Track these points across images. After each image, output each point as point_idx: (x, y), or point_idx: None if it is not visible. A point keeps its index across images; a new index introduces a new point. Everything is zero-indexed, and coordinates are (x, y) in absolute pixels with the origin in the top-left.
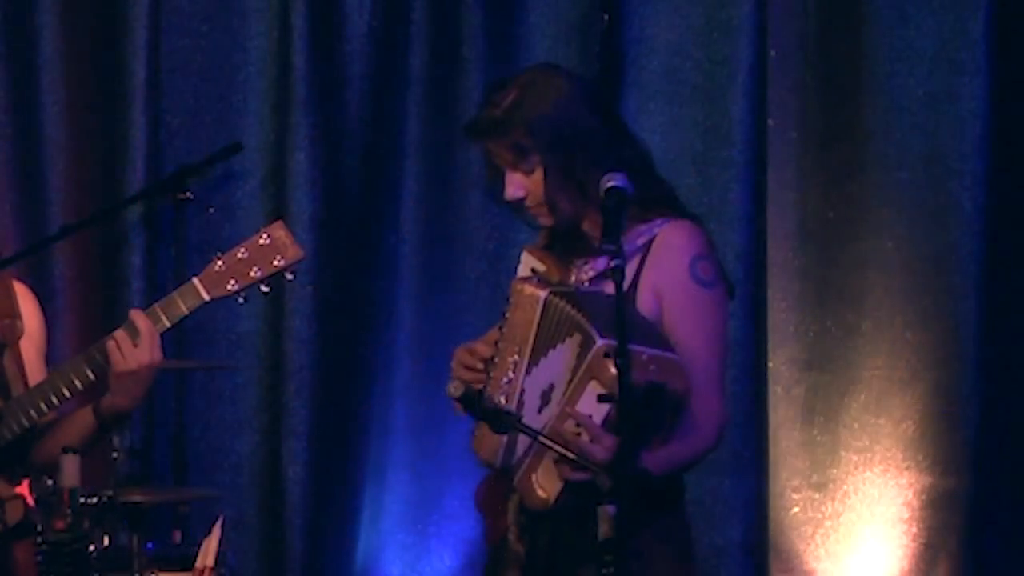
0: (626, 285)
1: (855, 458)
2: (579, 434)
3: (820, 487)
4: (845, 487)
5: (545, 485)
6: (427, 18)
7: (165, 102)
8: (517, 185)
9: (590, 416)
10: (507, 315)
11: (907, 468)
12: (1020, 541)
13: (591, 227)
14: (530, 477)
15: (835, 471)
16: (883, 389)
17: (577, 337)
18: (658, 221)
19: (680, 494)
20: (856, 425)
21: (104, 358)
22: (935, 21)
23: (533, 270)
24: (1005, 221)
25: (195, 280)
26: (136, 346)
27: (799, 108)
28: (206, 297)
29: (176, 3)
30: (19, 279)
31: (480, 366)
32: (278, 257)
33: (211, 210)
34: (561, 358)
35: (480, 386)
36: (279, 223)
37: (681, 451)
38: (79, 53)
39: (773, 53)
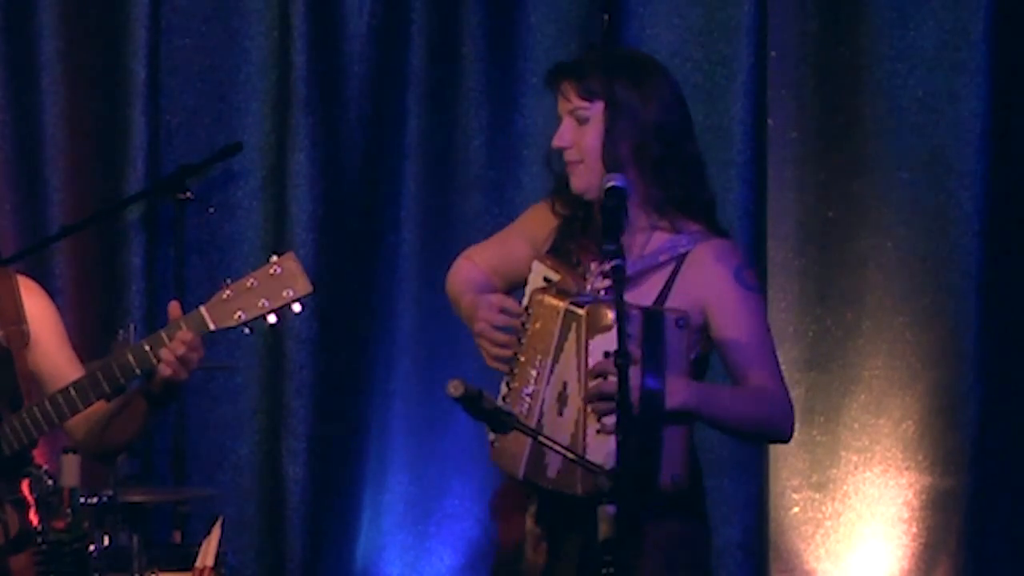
0: (654, 295)
1: (855, 458)
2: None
3: (820, 487)
4: (845, 487)
5: (601, 457)
6: (427, 18)
7: (165, 102)
8: (566, 136)
9: (605, 361)
10: (527, 326)
11: (907, 468)
12: (1020, 541)
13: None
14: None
15: (835, 471)
16: (883, 389)
17: (573, 326)
18: (685, 239)
19: (702, 498)
20: (856, 425)
21: (109, 384)
22: (935, 21)
23: (547, 279)
24: (1005, 221)
25: (202, 308)
26: (186, 353)
27: (799, 108)
28: (211, 327)
29: (176, 3)
30: (22, 273)
31: (510, 340)
32: (288, 290)
33: (211, 210)
34: (570, 355)
35: (510, 357)
36: (290, 254)
37: (755, 402)
38: (79, 53)
39: (773, 53)
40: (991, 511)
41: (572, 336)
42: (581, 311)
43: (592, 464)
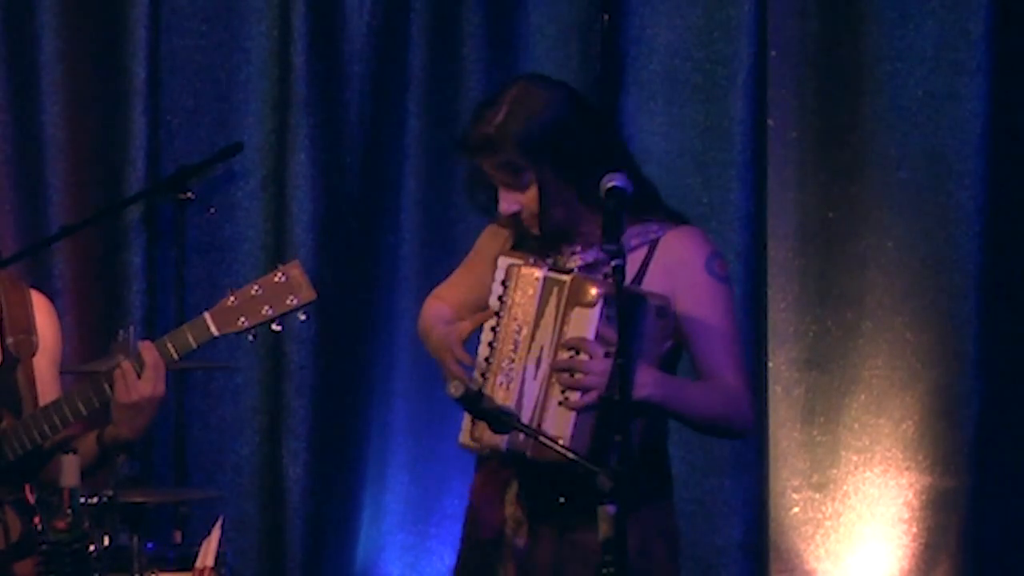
0: (629, 278)
1: (855, 458)
2: (574, 358)
3: (820, 487)
4: (845, 487)
5: (557, 428)
6: (427, 19)
7: (165, 102)
8: (511, 201)
9: (582, 337)
10: (504, 299)
11: (907, 468)
12: (1020, 541)
13: (584, 224)
14: (539, 438)
15: (835, 471)
16: (883, 389)
17: (555, 291)
18: (654, 226)
19: (670, 486)
20: (856, 425)
21: (112, 388)
22: (935, 21)
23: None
24: (1005, 221)
25: (206, 314)
26: (140, 378)
27: (799, 108)
28: (215, 333)
29: (176, 3)
30: (37, 289)
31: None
32: (292, 297)
33: (211, 210)
34: (549, 320)
35: (481, 379)
36: (295, 263)
37: (717, 399)
38: (79, 53)
39: (773, 53)
40: (991, 511)
41: (552, 302)
42: (565, 278)
43: (591, 464)
